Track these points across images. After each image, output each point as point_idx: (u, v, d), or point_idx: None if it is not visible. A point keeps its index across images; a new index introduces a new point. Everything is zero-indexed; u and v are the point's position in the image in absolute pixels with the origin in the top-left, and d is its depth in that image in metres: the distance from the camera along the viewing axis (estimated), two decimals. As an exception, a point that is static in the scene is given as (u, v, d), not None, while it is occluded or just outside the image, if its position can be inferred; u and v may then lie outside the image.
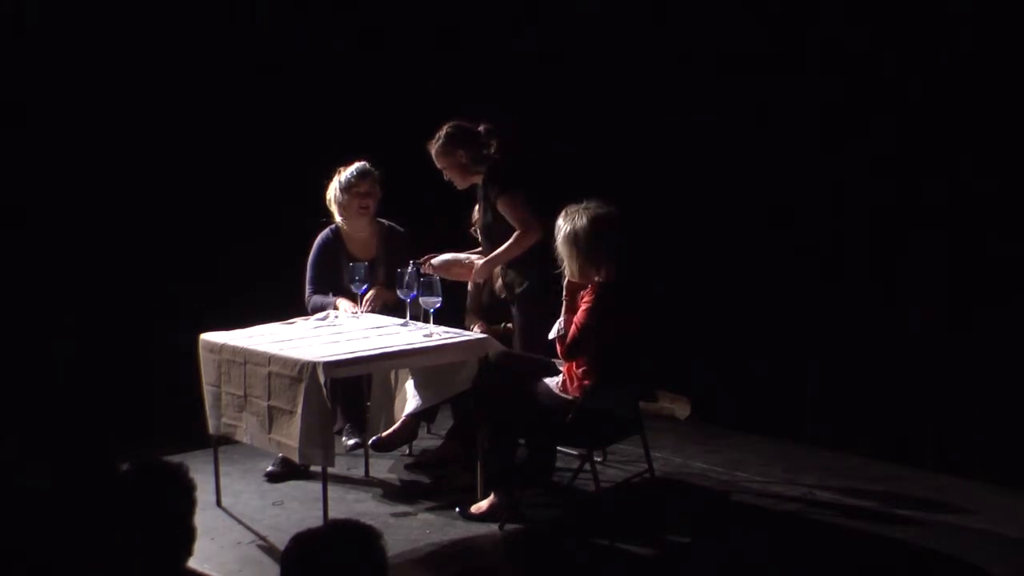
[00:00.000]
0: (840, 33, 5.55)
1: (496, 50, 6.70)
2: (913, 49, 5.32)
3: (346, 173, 5.56)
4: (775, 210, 5.91)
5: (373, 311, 5.36)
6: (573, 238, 4.60)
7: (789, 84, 5.77)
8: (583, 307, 4.59)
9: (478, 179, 5.26)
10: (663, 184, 6.24)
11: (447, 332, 4.97)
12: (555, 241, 4.68)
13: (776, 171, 5.89)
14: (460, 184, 5.33)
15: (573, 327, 4.60)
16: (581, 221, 4.60)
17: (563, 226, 4.64)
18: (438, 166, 5.30)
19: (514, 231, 5.14)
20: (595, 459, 4.88)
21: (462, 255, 5.36)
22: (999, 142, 5.13)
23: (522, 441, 4.94)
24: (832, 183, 5.69)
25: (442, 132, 5.25)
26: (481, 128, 5.25)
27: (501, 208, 5.15)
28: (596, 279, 4.62)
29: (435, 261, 5.27)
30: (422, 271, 5.13)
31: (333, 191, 5.60)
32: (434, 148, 5.26)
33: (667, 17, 6.20)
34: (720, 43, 6.02)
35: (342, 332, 5.04)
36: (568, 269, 4.66)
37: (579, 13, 6.45)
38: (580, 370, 4.65)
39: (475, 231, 5.51)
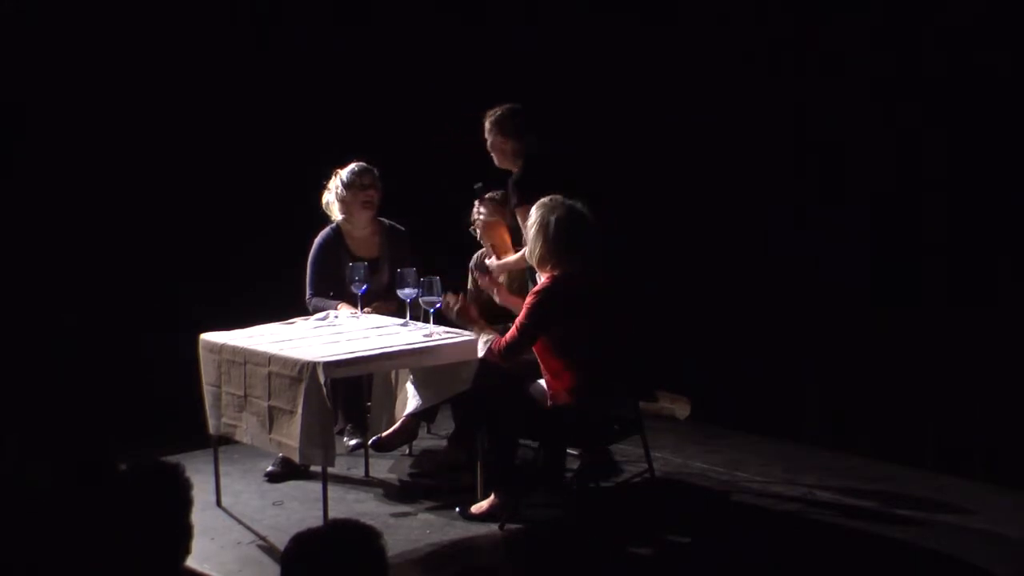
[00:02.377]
0: (840, 35, 5.57)
1: (496, 50, 6.69)
2: (908, 48, 5.33)
3: (347, 171, 5.58)
4: (775, 209, 5.91)
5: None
6: (543, 228, 4.61)
7: (787, 84, 5.78)
8: (525, 307, 4.62)
9: (512, 168, 5.26)
10: (662, 183, 6.24)
11: (447, 332, 4.98)
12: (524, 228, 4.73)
13: (776, 170, 5.89)
14: (497, 163, 5.35)
15: (513, 327, 4.63)
16: (555, 213, 4.62)
17: (536, 213, 4.67)
18: (485, 135, 5.33)
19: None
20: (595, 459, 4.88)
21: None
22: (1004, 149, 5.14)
23: (527, 442, 4.94)
24: (832, 182, 5.69)
25: (504, 111, 5.27)
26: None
27: (519, 216, 5.12)
28: (551, 271, 4.64)
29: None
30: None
31: (333, 190, 5.61)
32: (490, 119, 5.30)
33: (667, 17, 6.21)
34: (718, 43, 6.03)
35: (342, 332, 5.05)
36: (530, 255, 4.69)
37: (580, 12, 6.46)
38: (558, 377, 4.65)
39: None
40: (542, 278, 4.71)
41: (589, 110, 6.42)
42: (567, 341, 4.58)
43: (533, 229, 4.65)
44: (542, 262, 4.66)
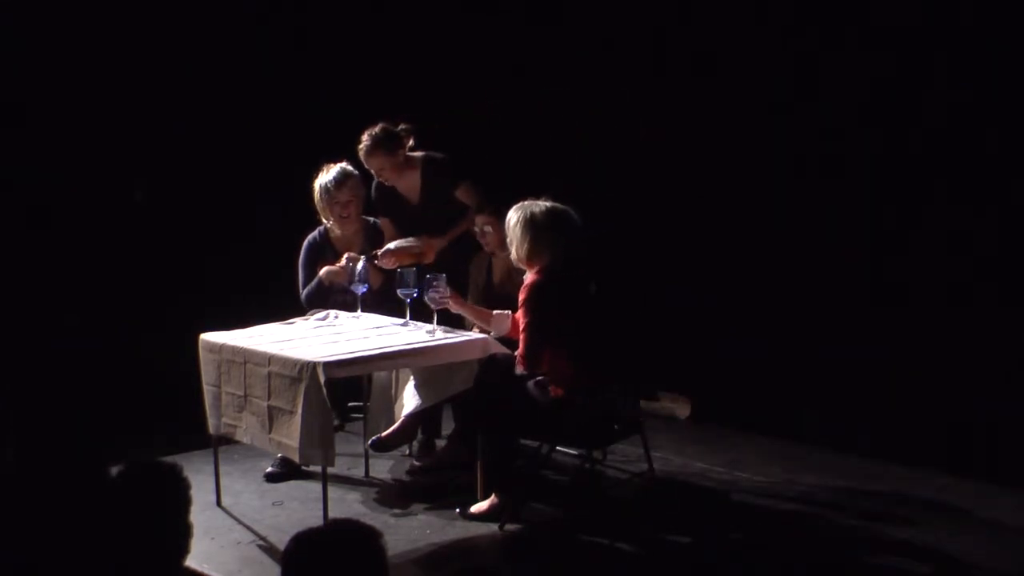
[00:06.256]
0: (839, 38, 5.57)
1: (483, 51, 6.70)
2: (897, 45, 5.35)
3: (326, 177, 5.48)
4: (774, 208, 5.92)
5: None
6: (529, 221, 4.65)
7: (782, 80, 5.79)
8: (522, 306, 4.64)
9: (410, 175, 5.52)
10: (661, 182, 6.25)
11: (447, 332, 4.98)
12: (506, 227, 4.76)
13: (777, 169, 5.90)
14: (397, 181, 5.54)
15: (521, 337, 4.65)
16: (538, 208, 4.68)
17: (516, 213, 4.71)
18: (375, 167, 5.49)
19: (449, 215, 5.50)
20: (595, 459, 4.88)
21: (405, 242, 5.47)
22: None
23: (528, 442, 4.93)
24: (832, 181, 5.69)
25: (376, 132, 5.45)
26: (401, 127, 5.50)
27: (461, 194, 5.48)
28: (535, 269, 4.67)
29: (389, 251, 5.39)
30: (379, 264, 5.31)
31: (317, 190, 5.55)
32: (373, 151, 5.44)
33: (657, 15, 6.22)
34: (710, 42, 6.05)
35: (342, 332, 5.05)
36: (514, 253, 4.73)
37: (579, 12, 6.46)
38: (554, 369, 4.67)
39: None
40: (528, 276, 4.73)
41: (583, 109, 6.43)
42: (559, 332, 4.60)
43: (519, 227, 4.68)
44: (529, 257, 4.68)
